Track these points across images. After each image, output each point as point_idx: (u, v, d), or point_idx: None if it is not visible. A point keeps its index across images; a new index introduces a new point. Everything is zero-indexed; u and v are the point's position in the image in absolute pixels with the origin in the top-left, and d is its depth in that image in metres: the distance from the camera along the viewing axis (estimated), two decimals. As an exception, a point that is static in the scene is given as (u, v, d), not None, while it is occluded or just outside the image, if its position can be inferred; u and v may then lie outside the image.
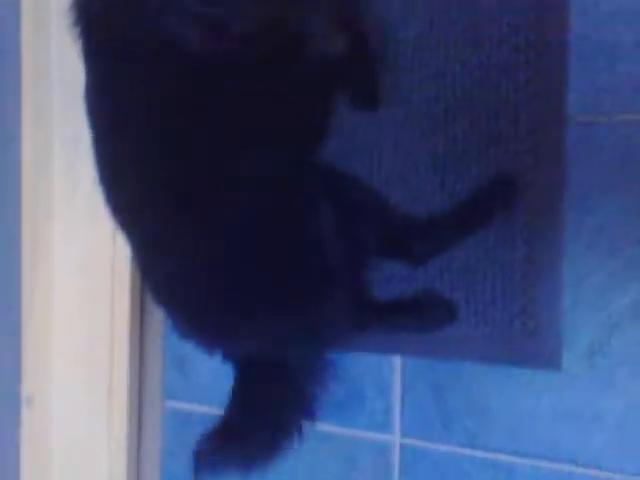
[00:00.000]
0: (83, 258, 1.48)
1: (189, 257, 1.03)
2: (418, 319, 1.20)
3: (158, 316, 1.50)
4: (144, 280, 1.20)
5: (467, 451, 1.22)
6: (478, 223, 1.19)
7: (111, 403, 1.46)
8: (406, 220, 1.20)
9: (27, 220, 1.53)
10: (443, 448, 1.24)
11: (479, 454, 1.21)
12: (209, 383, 1.45)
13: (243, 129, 0.99)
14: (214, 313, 1.07)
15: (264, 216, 1.01)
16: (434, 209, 1.21)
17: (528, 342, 1.17)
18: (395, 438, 1.28)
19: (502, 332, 1.18)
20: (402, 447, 1.27)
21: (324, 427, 1.32)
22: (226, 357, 1.20)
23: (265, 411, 1.20)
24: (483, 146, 1.19)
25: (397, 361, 1.28)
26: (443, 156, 1.21)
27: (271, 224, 1.01)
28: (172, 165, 0.99)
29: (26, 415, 1.53)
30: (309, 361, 1.23)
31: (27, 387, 1.53)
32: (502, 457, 1.20)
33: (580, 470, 1.14)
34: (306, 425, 1.22)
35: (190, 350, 1.44)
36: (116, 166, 1.05)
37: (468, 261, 1.20)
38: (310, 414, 1.21)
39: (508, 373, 1.19)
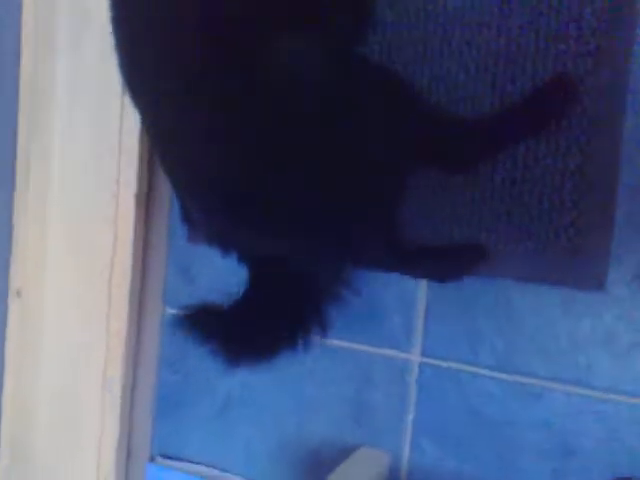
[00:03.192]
0: (90, 134, 1.38)
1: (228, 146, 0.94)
2: (447, 260, 1.14)
3: (163, 221, 1.41)
4: (165, 170, 1.09)
5: (494, 374, 1.15)
6: (530, 129, 1.10)
7: (110, 304, 1.37)
8: (451, 120, 1.12)
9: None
10: (468, 369, 1.16)
11: (507, 377, 1.14)
12: (212, 291, 1.35)
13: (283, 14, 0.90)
14: (247, 210, 0.97)
15: (306, 110, 0.91)
16: (483, 111, 1.12)
17: (573, 260, 1.09)
18: (415, 357, 1.20)
19: (546, 248, 1.10)
20: (422, 367, 1.19)
21: (339, 342, 1.24)
22: (242, 259, 1.11)
23: (273, 314, 1.12)
24: (541, 45, 1.09)
25: (423, 274, 1.19)
26: (496, 54, 1.12)
27: (312, 119, 0.92)
28: (206, 50, 0.89)
29: (14, 308, 1.42)
30: (330, 276, 1.15)
31: (16, 280, 1.42)
32: (533, 381, 1.13)
33: (618, 398, 1.08)
34: (314, 339, 1.14)
35: (194, 257, 1.37)
36: (139, 49, 0.95)
37: (515, 170, 1.11)
38: (322, 329, 1.13)
39: (545, 291, 1.11)
